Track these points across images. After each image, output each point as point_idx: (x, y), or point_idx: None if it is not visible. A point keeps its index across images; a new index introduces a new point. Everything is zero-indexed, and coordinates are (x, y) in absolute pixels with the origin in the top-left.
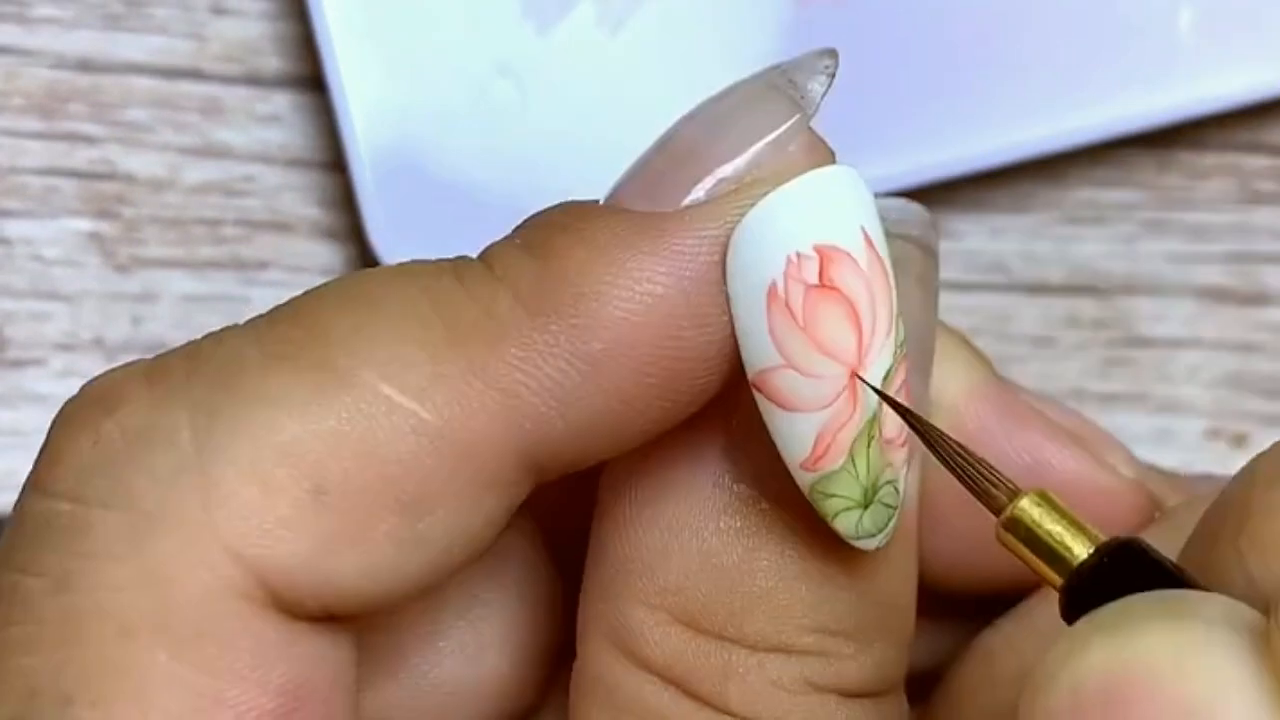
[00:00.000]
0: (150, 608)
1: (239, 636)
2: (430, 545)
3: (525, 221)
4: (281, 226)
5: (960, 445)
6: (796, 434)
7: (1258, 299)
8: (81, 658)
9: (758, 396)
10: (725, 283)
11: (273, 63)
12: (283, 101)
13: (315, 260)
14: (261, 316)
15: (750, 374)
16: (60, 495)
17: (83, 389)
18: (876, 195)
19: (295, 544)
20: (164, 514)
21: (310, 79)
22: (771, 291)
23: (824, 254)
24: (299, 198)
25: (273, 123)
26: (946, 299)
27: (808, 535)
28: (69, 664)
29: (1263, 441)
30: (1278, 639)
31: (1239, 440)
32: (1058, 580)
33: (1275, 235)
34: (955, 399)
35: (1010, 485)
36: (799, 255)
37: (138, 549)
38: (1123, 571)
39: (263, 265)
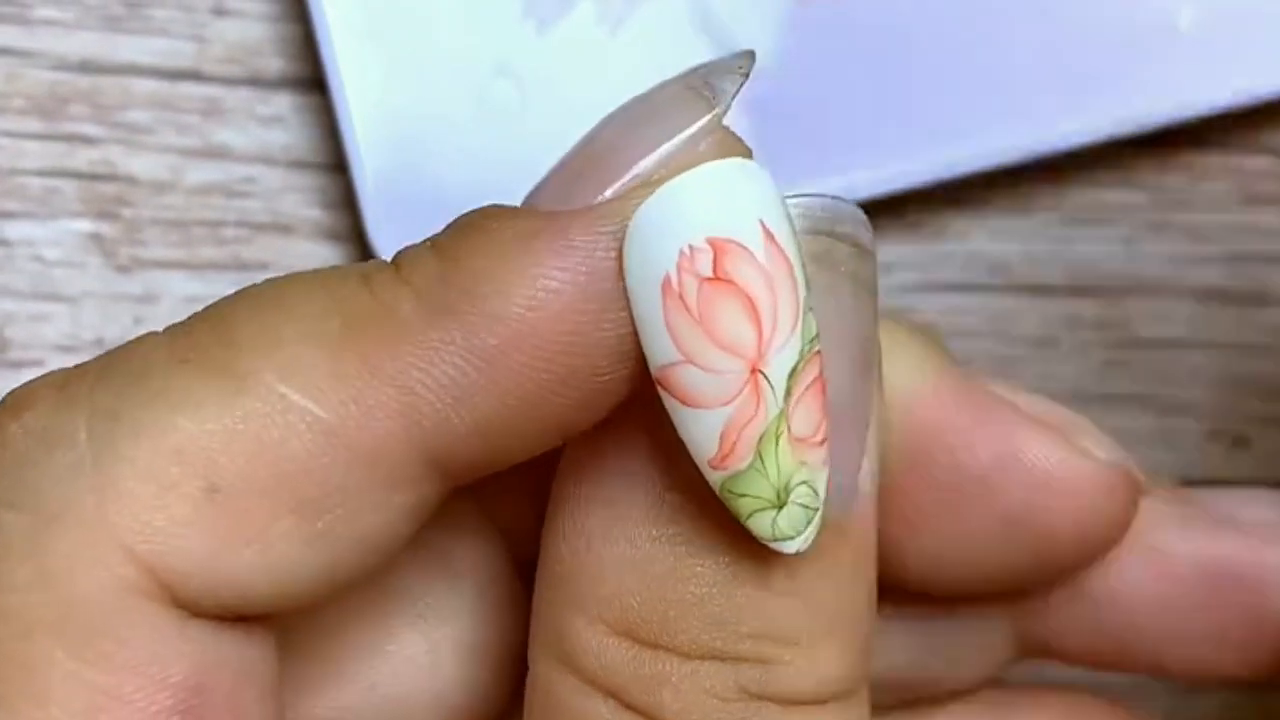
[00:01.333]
0: (49, 606)
1: (136, 633)
2: (333, 544)
3: (448, 224)
4: (283, 228)
5: None
6: (702, 431)
7: (1258, 300)
8: None
9: (662, 393)
10: (623, 276)
11: (274, 64)
12: (284, 103)
13: (316, 261)
14: (181, 322)
15: (653, 370)
16: None
17: (4, 396)
18: (813, 194)
19: (189, 541)
20: (61, 513)
21: (311, 80)
22: (666, 284)
23: (717, 246)
24: (300, 199)
25: (274, 124)
26: (948, 300)
27: (745, 539)
28: None
29: (1264, 443)
30: None
31: (1240, 442)
32: None
33: (1276, 237)
34: (912, 397)
35: None
36: (691, 248)
37: (36, 548)
38: None
39: (264, 266)
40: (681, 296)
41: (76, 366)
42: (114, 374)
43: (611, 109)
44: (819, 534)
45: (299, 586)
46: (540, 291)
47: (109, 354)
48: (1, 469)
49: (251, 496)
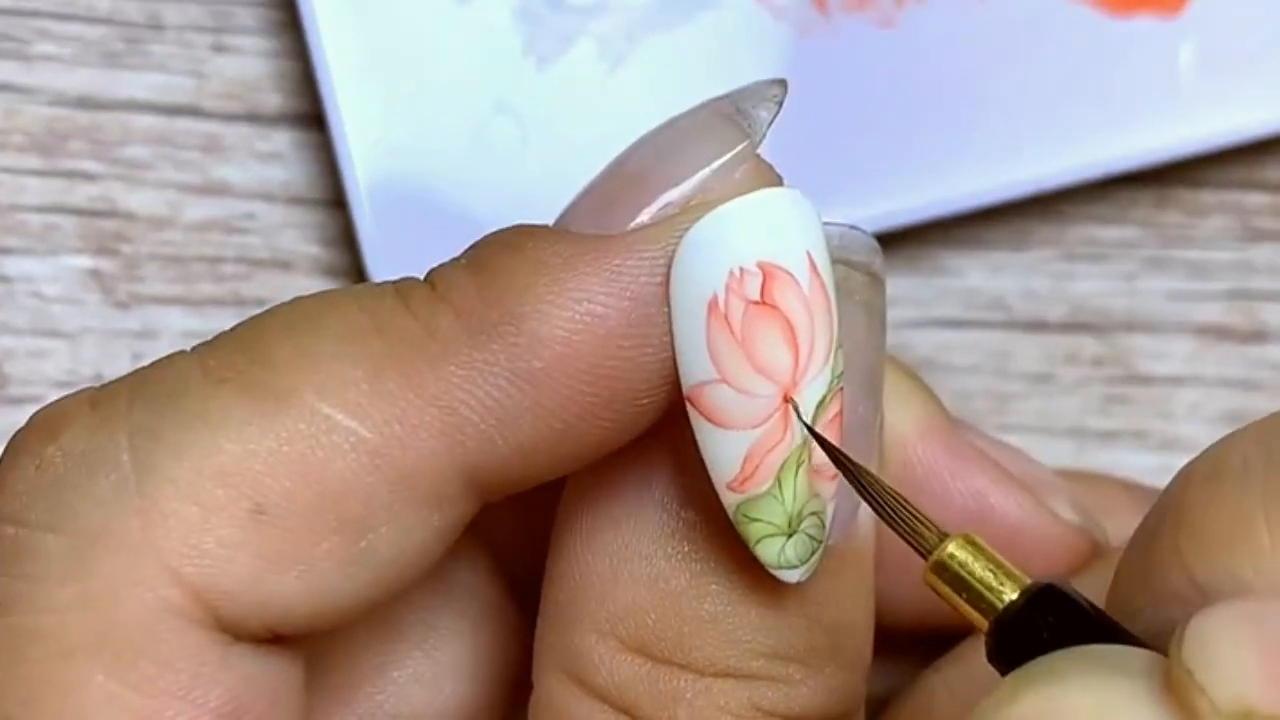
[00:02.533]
0: (91, 629)
1: (178, 657)
2: (374, 563)
3: (475, 243)
4: (282, 264)
5: (890, 488)
6: (726, 452)
7: (1257, 336)
8: (23, 678)
9: (690, 411)
10: (667, 301)
11: (273, 100)
12: (283, 139)
13: None
14: (208, 341)
15: (685, 388)
16: (4, 519)
17: (31, 417)
18: (829, 223)
19: (235, 563)
20: (105, 535)
21: (311, 116)
22: (712, 304)
23: (767, 271)
24: (299, 235)
25: (273, 160)
26: (947, 336)
27: (757, 560)
28: (10, 685)
29: None
30: (1180, 673)
31: None
32: (984, 623)
33: (1275, 273)
34: (907, 438)
35: (937, 529)
36: (742, 270)
37: (79, 570)
38: (1046, 614)
39: (263, 303)
40: (726, 317)
41: (105, 385)
42: (149, 393)
43: (611, 146)
44: (820, 562)
45: (339, 605)
46: (585, 315)
47: (139, 372)
48: (39, 491)
49: (297, 517)
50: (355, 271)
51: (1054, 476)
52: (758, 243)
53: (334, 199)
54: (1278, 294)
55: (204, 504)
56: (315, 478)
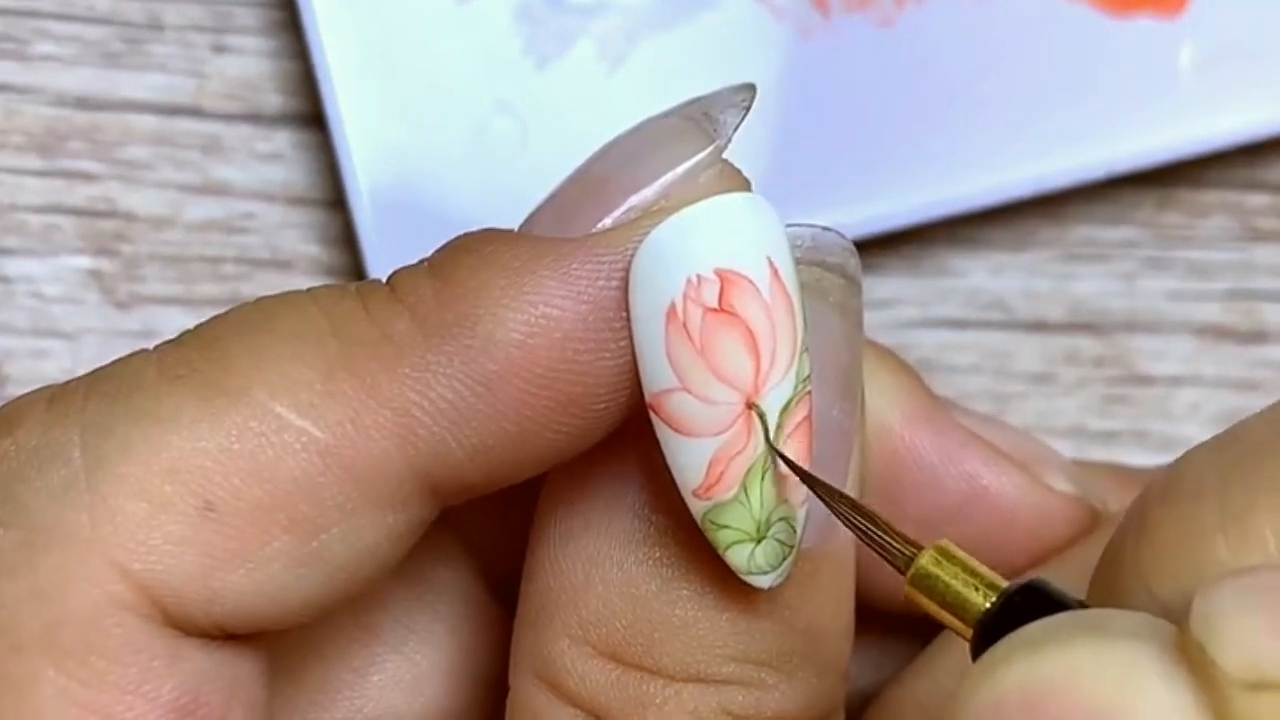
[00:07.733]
0: (40, 623)
1: (127, 652)
2: (326, 564)
3: (440, 246)
4: (282, 264)
5: (861, 505)
6: (690, 460)
7: (1257, 337)
8: None
9: (653, 419)
10: (625, 306)
11: (273, 100)
12: (283, 139)
13: None
14: (169, 340)
15: (647, 395)
16: None
17: None
18: (802, 224)
19: (183, 560)
20: (54, 530)
21: (311, 117)
22: (670, 312)
23: (725, 278)
24: (299, 235)
25: (273, 160)
26: (948, 336)
27: (728, 566)
28: None
29: None
30: (1193, 648)
31: None
32: (968, 632)
33: (1275, 273)
34: (893, 428)
35: (911, 542)
36: (699, 277)
37: (29, 565)
38: (1027, 613)
39: None
40: (685, 325)
41: (66, 383)
42: (104, 390)
43: None
44: (796, 565)
45: (291, 605)
46: (540, 319)
47: (99, 370)
48: None
49: (246, 515)
50: (355, 271)
51: (1046, 448)
52: (715, 249)
53: (334, 199)
54: (1278, 294)
55: (153, 500)
56: (265, 476)
